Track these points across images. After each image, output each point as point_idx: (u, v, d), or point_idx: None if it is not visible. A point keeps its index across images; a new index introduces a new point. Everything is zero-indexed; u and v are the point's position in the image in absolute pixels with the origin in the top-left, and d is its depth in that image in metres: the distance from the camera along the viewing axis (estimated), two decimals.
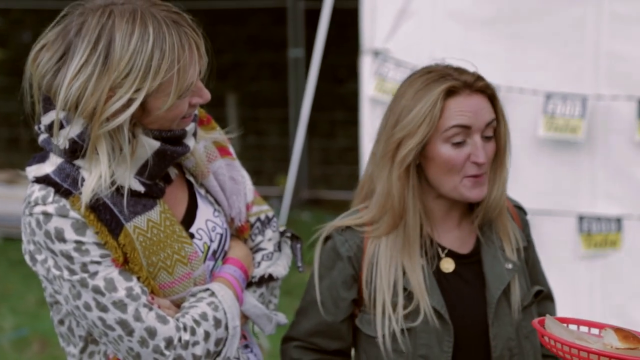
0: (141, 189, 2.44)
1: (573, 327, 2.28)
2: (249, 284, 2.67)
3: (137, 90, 2.31)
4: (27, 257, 2.46)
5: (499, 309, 2.70)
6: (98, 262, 2.38)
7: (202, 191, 2.63)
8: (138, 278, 2.43)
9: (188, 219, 2.57)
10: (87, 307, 2.40)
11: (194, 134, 2.54)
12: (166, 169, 2.51)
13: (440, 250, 2.74)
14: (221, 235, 2.63)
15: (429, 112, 2.61)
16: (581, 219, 4.61)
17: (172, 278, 2.47)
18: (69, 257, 2.37)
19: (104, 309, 2.39)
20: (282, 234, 2.80)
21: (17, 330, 6.92)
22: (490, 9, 4.70)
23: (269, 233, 2.75)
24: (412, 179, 2.67)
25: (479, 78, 2.67)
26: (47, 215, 2.37)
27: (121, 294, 2.39)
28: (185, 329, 2.43)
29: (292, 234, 2.80)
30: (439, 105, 2.62)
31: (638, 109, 4.52)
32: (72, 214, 2.36)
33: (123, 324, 2.39)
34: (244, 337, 2.70)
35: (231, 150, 2.73)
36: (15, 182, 10.51)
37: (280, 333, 2.87)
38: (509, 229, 2.77)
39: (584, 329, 2.28)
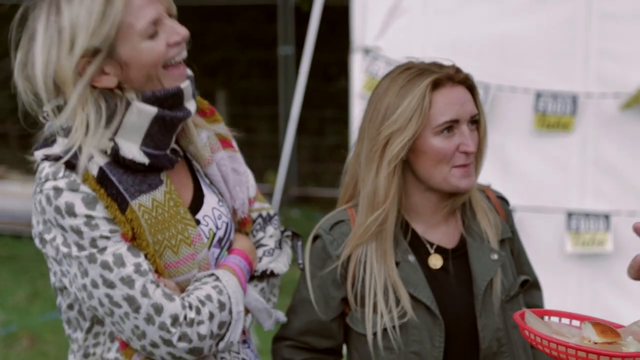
0: (145, 160, 2.44)
1: (555, 319, 2.30)
2: (251, 278, 2.68)
3: (93, 47, 2.34)
4: (37, 241, 2.46)
5: (486, 300, 2.72)
6: (107, 237, 2.38)
7: (207, 181, 2.65)
8: (145, 255, 2.43)
9: (195, 206, 2.58)
10: (94, 284, 2.40)
11: (194, 96, 2.53)
12: (172, 138, 2.50)
13: (428, 246, 2.76)
14: (227, 224, 2.64)
15: (418, 106, 2.64)
16: (570, 215, 4.63)
17: (177, 258, 2.48)
18: (79, 232, 2.38)
19: (111, 285, 2.39)
20: (282, 232, 2.81)
21: (6, 326, 6.91)
22: (481, 7, 4.71)
23: (270, 230, 2.77)
24: (396, 176, 2.69)
25: (458, 70, 2.71)
26: (57, 190, 2.38)
27: (129, 269, 2.39)
28: (190, 307, 2.44)
29: (292, 232, 2.81)
30: (428, 99, 2.64)
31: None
32: (83, 188, 2.37)
33: (130, 300, 2.39)
34: (243, 332, 2.71)
35: (234, 143, 2.74)
36: (4, 178, 10.49)
37: (270, 330, 2.87)
38: (492, 219, 2.80)
39: (565, 321, 2.30)
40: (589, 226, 4.62)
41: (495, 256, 2.75)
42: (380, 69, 4.76)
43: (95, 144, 2.39)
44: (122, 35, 2.36)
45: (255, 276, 2.69)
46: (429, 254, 2.75)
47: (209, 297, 2.48)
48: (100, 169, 2.39)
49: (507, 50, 4.67)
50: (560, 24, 4.61)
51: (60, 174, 2.39)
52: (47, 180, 2.39)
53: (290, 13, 11.04)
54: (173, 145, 2.55)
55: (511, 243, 2.85)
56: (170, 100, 2.44)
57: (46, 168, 2.41)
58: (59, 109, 2.43)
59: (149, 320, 2.40)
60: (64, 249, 2.41)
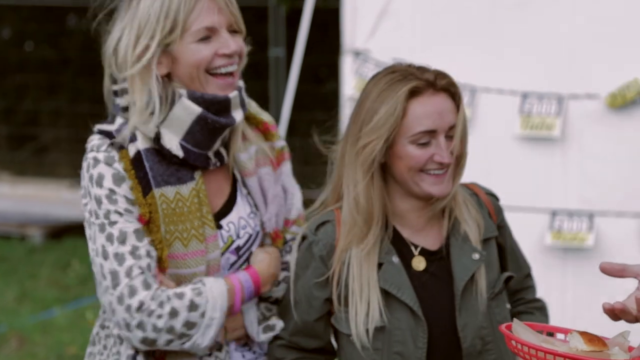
0: (180, 154, 2.62)
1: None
2: (262, 299, 2.79)
3: (153, 36, 2.58)
4: (82, 207, 2.68)
5: (466, 299, 2.73)
6: (120, 214, 2.58)
7: (244, 191, 2.75)
8: (153, 240, 2.60)
9: (223, 211, 2.71)
10: (96, 252, 2.59)
11: (243, 106, 2.69)
12: (215, 141, 2.66)
13: (413, 248, 2.78)
14: (250, 235, 2.74)
15: (391, 115, 2.67)
16: (554, 214, 4.64)
17: (185, 250, 2.62)
18: (99, 202, 2.59)
19: (106, 257, 2.58)
20: None
21: None
22: (468, 10, 4.73)
23: None
24: (376, 179, 2.71)
25: (440, 75, 2.71)
26: (96, 161, 2.60)
27: (126, 248, 2.57)
28: (154, 298, 2.56)
29: None
30: (401, 107, 2.66)
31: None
32: (117, 165, 2.59)
33: (114, 275, 2.57)
34: (247, 336, 2.78)
35: (285, 163, 2.87)
36: None
37: None
38: (476, 219, 2.81)
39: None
40: (572, 227, 4.63)
41: (477, 256, 2.76)
42: (370, 71, 4.77)
43: (141, 124, 2.60)
44: (178, 33, 2.58)
45: (270, 300, 2.80)
46: (412, 255, 2.77)
47: (180, 295, 2.59)
48: (138, 152, 2.61)
49: (493, 52, 4.69)
50: (545, 25, 4.63)
51: (103, 148, 2.61)
52: (91, 150, 2.62)
53: (281, 15, 11.04)
54: (220, 149, 2.69)
55: (502, 237, 2.86)
56: (216, 106, 2.62)
57: (94, 140, 2.64)
58: (123, 91, 2.65)
59: (120, 299, 2.55)
60: (87, 215, 2.62)
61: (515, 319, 2.25)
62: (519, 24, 4.67)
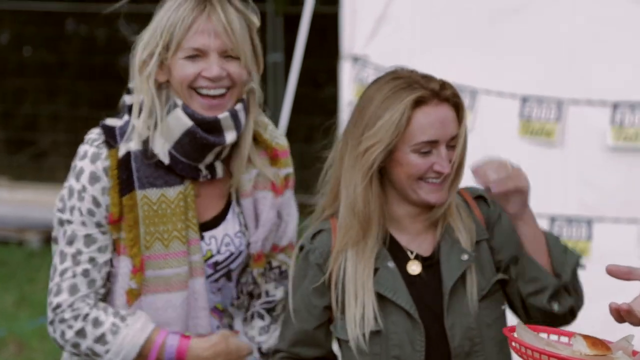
0: (166, 160, 2.67)
1: (543, 334, 2.30)
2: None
3: (157, 45, 2.66)
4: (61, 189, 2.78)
5: (454, 300, 2.74)
6: (81, 213, 2.66)
7: (237, 209, 2.77)
8: (120, 238, 2.67)
9: (209, 225, 2.74)
10: (52, 238, 2.74)
11: (237, 128, 2.70)
12: (204, 155, 2.69)
13: (409, 253, 2.78)
14: (232, 253, 2.76)
15: (395, 123, 2.67)
16: (553, 220, 4.64)
17: (166, 250, 2.67)
18: (70, 194, 2.68)
19: (55, 250, 2.71)
20: None
21: None
22: (467, 14, 4.73)
23: (282, 289, 2.87)
24: (374, 183, 2.71)
25: (445, 86, 2.72)
26: (84, 154, 2.68)
27: (70, 250, 2.67)
28: (72, 307, 2.66)
29: None
30: (406, 116, 2.67)
31: (611, 113, 4.56)
32: (99, 163, 2.67)
33: (53, 269, 2.70)
34: None
35: (287, 191, 2.87)
36: None
37: None
38: (466, 223, 2.81)
39: (553, 337, 2.30)
40: (572, 234, 4.63)
41: (466, 256, 2.77)
42: (370, 76, 4.76)
43: (140, 127, 2.67)
44: (173, 47, 2.66)
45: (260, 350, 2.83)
46: (408, 260, 2.78)
47: (97, 323, 2.67)
48: (127, 153, 2.67)
49: (494, 53, 4.69)
50: (545, 28, 4.63)
51: (96, 143, 2.68)
52: (86, 142, 2.69)
53: (279, 20, 11.05)
54: (215, 163, 2.71)
55: (491, 233, 2.84)
56: (206, 125, 2.66)
57: (93, 133, 2.72)
58: (131, 90, 2.72)
59: (49, 293, 2.70)
60: (57, 200, 2.71)
61: (518, 322, 2.26)
62: (519, 25, 4.66)
